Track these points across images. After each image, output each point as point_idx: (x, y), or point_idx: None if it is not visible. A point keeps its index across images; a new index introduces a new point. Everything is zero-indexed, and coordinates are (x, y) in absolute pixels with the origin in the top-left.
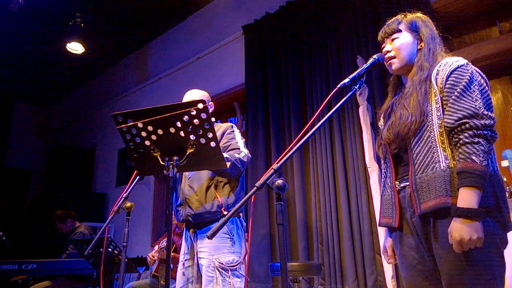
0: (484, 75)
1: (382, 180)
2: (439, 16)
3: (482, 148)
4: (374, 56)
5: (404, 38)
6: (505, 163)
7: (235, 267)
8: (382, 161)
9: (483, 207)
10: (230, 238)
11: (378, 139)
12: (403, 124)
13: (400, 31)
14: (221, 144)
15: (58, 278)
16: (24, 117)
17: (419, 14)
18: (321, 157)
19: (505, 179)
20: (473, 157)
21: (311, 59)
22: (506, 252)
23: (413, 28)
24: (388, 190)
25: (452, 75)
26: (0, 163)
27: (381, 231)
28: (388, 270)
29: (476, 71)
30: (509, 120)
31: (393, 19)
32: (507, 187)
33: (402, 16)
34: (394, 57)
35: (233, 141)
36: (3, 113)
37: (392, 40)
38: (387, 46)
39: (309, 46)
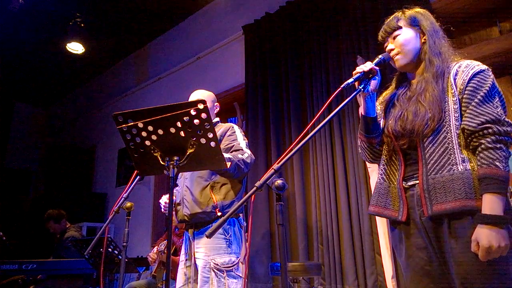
0: None
1: (381, 170)
2: (439, 16)
3: (504, 154)
4: (380, 56)
5: (406, 34)
6: None
7: (231, 268)
8: (386, 154)
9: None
10: (227, 239)
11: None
12: (420, 121)
13: (400, 27)
14: (223, 146)
15: (50, 280)
16: (24, 117)
17: (417, 9)
18: (321, 157)
19: None
20: (497, 163)
21: (311, 59)
22: None
23: (414, 23)
24: (392, 183)
25: (474, 78)
26: (0, 163)
27: (381, 230)
28: (388, 270)
29: None
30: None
31: (391, 17)
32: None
33: (401, 13)
34: (398, 53)
35: (235, 142)
36: (3, 113)
37: (394, 37)
38: (390, 45)
39: (309, 46)
